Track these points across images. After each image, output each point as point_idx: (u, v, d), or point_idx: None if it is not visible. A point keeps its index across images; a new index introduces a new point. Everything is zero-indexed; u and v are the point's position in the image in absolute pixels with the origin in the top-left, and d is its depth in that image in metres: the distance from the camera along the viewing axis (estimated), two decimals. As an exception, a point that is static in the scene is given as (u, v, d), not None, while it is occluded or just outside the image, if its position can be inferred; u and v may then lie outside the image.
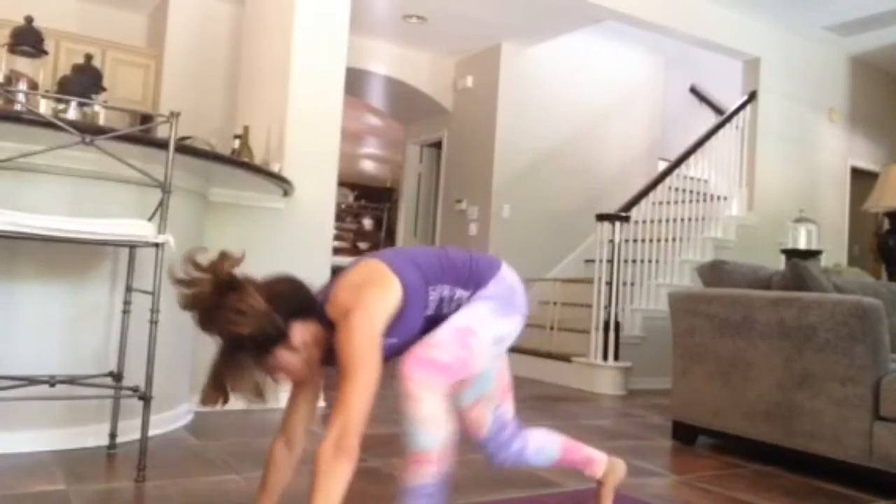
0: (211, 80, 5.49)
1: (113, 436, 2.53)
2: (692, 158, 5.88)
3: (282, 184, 3.32)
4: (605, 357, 4.98)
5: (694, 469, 2.84)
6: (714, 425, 3.16)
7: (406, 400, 1.49)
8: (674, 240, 5.69)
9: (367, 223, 12.09)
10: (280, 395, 1.63)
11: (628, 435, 3.45)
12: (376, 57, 6.49)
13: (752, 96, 6.21)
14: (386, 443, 2.82)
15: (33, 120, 2.20)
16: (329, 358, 1.58)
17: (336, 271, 1.75)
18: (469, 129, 6.66)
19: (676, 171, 5.77)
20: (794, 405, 2.84)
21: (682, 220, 5.77)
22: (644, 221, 5.54)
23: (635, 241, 5.44)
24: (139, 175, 2.38)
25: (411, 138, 7.65)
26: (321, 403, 3.01)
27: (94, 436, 2.55)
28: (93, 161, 2.48)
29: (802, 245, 5.45)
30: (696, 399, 3.25)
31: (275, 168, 3.53)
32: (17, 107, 2.77)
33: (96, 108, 3.49)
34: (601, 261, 5.15)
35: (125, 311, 2.49)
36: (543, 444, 1.94)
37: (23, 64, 4.27)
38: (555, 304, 5.82)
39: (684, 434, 3.33)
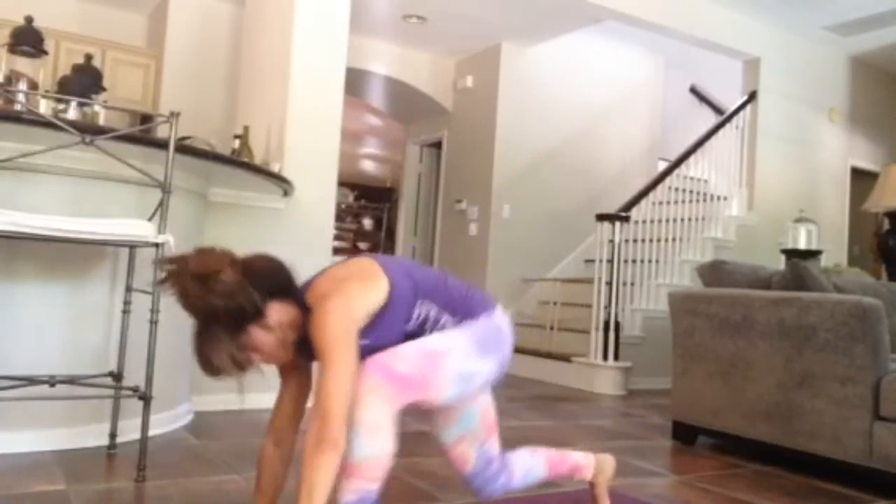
0: (211, 80, 5.49)
1: (113, 436, 2.53)
2: (692, 158, 5.88)
3: (282, 184, 3.32)
4: (605, 357, 4.98)
5: (694, 469, 2.84)
6: (714, 425, 3.16)
7: (353, 403, 1.45)
8: (674, 240, 5.69)
9: (367, 223, 12.10)
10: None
11: (628, 435, 3.45)
12: (376, 57, 6.50)
13: (752, 96, 6.21)
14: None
15: (33, 120, 2.20)
16: (307, 350, 1.55)
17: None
18: (469, 129, 6.66)
19: (676, 171, 5.77)
20: (794, 405, 2.84)
21: (682, 220, 5.77)
22: (644, 221, 5.54)
23: (635, 241, 5.44)
24: (139, 175, 2.38)
25: (411, 138, 7.65)
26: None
27: (94, 436, 2.55)
28: (93, 161, 2.48)
29: (802, 245, 5.45)
30: (696, 399, 3.25)
31: (275, 168, 3.53)
32: (17, 107, 2.77)
33: (96, 108, 3.49)
34: (601, 261, 5.15)
35: (125, 311, 2.49)
36: (529, 468, 1.91)
37: (23, 64, 4.27)
38: (555, 304, 5.82)
39: (684, 434, 3.33)
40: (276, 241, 3.55)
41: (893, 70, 7.33)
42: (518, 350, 5.68)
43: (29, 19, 3.81)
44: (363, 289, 1.53)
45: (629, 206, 5.34)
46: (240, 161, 3.00)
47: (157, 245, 2.28)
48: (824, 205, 6.75)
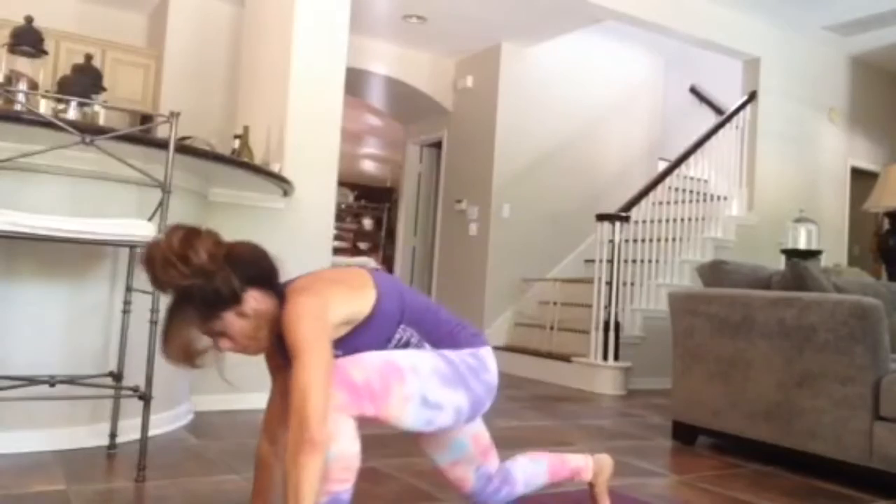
0: (211, 80, 5.49)
1: (113, 436, 2.53)
2: (692, 158, 5.88)
3: (282, 184, 3.32)
4: (605, 357, 4.98)
5: (694, 469, 2.84)
6: (714, 425, 3.16)
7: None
8: (674, 240, 5.69)
9: (367, 223, 12.10)
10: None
11: (628, 435, 3.45)
12: (376, 57, 6.49)
13: (752, 96, 6.21)
14: (386, 443, 2.82)
15: (33, 120, 2.20)
16: (283, 348, 1.50)
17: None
18: (469, 129, 6.66)
19: (676, 171, 5.77)
20: (794, 405, 2.84)
21: (682, 220, 5.77)
22: (644, 221, 5.54)
23: (635, 241, 5.44)
24: (139, 175, 2.38)
25: (411, 138, 7.65)
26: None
27: (94, 436, 2.55)
28: (93, 161, 2.48)
29: (802, 245, 5.45)
30: (696, 399, 3.25)
31: (275, 168, 3.53)
32: (17, 107, 2.77)
33: (96, 108, 3.49)
34: (601, 261, 5.15)
35: (125, 311, 2.49)
36: (531, 476, 1.90)
37: (23, 64, 4.27)
38: (555, 304, 5.82)
39: (684, 434, 3.33)
40: (276, 241, 3.51)
41: (893, 70, 7.33)
42: (518, 350, 5.70)
43: (29, 19, 3.81)
44: (345, 295, 1.50)
45: (629, 206, 5.34)
46: (240, 161, 3.00)
47: (157, 245, 2.28)
48: (824, 205, 6.75)
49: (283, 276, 1.58)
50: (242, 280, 1.46)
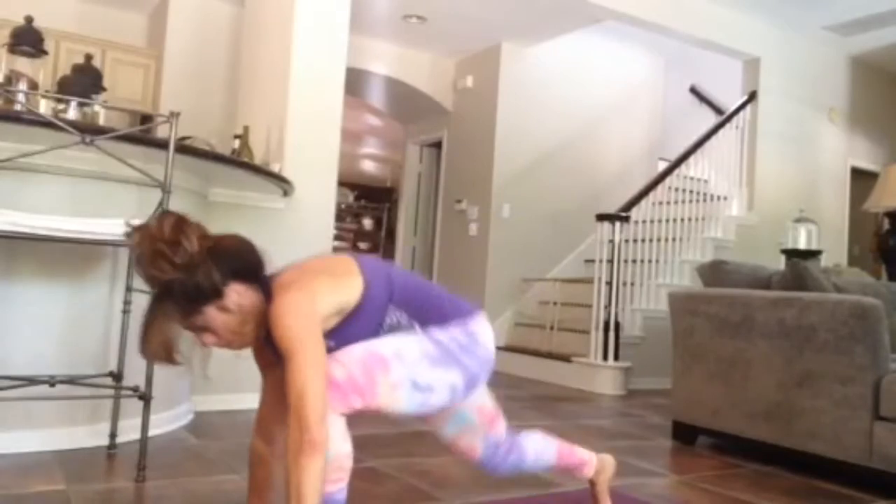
0: (211, 80, 5.49)
1: (113, 436, 2.53)
2: (692, 158, 5.88)
3: (282, 184, 3.32)
4: (605, 357, 4.98)
5: (694, 469, 2.84)
6: (714, 425, 3.16)
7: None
8: (674, 240, 5.69)
9: (367, 223, 12.11)
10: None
11: (628, 435, 3.45)
12: (376, 57, 6.50)
13: (752, 96, 6.21)
14: (386, 443, 2.83)
15: (33, 120, 2.20)
16: (272, 343, 1.46)
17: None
18: (469, 129, 6.66)
19: (676, 171, 5.77)
20: (794, 405, 2.84)
21: (682, 220, 5.77)
22: (644, 221, 5.54)
23: (635, 241, 5.44)
24: (139, 175, 2.38)
25: (411, 138, 7.65)
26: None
27: (94, 436, 2.55)
28: (93, 161, 2.48)
29: (802, 245, 5.45)
30: (695, 399, 3.25)
31: (275, 168, 3.53)
32: (17, 107, 2.77)
33: (96, 108, 3.49)
34: (601, 261, 5.15)
35: (125, 311, 2.49)
36: (541, 452, 1.90)
37: (23, 64, 4.27)
38: (555, 304, 5.82)
39: (684, 434, 3.33)
40: (276, 241, 3.52)
41: (893, 70, 7.33)
42: (518, 350, 5.70)
43: (29, 19, 3.81)
44: (332, 286, 1.47)
45: (629, 206, 5.34)
46: (240, 161, 3.00)
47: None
48: (824, 205, 6.75)
49: (273, 269, 1.55)
50: (225, 274, 1.43)
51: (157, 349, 1.42)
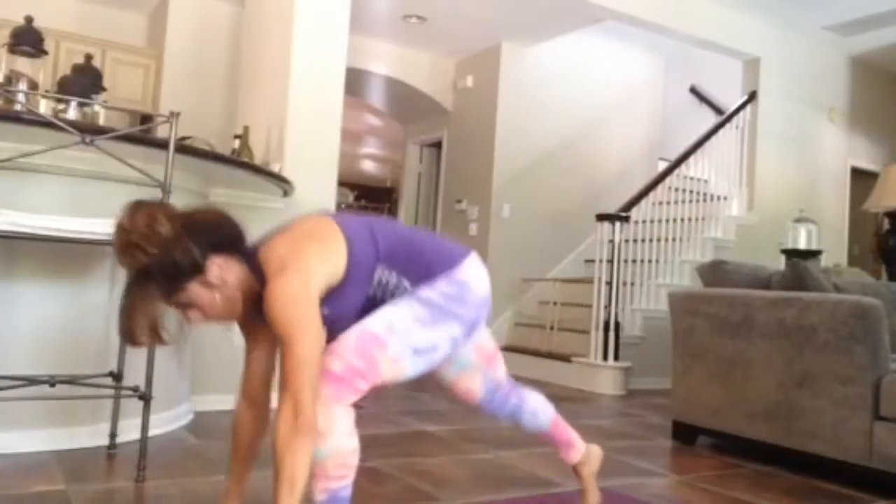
0: (211, 80, 5.49)
1: (113, 436, 2.53)
2: (692, 158, 5.88)
3: (282, 184, 3.32)
4: (605, 357, 4.98)
5: (694, 469, 2.84)
6: (714, 425, 3.16)
7: None
8: (674, 240, 5.69)
9: (368, 223, 12.10)
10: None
11: (628, 435, 3.45)
12: (376, 57, 6.50)
13: (752, 96, 6.21)
14: (386, 443, 2.83)
15: (33, 120, 2.20)
16: (261, 311, 1.46)
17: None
18: (469, 129, 6.66)
19: (676, 171, 5.77)
20: (794, 405, 2.84)
21: (682, 220, 5.77)
22: (644, 221, 5.54)
23: (635, 241, 5.44)
24: (139, 175, 2.38)
25: (411, 138, 7.65)
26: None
27: (94, 436, 2.55)
28: (93, 161, 2.48)
29: (802, 245, 5.45)
30: (695, 399, 3.25)
31: (275, 168, 3.53)
32: (17, 107, 2.77)
33: (96, 108, 3.49)
34: (601, 261, 5.15)
35: (125, 311, 2.49)
36: (538, 410, 1.91)
37: (23, 64, 4.26)
38: (555, 304, 5.82)
39: (684, 434, 3.33)
40: (276, 241, 3.55)
41: (893, 70, 7.33)
42: (518, 350, 5.70)
43: (29, 19, 3.81)
44: (321, 254, 1.45)
45: (629, 206, 5.34)
46: (240, 161, 3.00)
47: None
48: (824, 205, 6.75)
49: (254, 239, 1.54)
50: (203, 248, 1.41)
51: (144, 332, 1.41)
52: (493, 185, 6.27)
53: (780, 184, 6.36)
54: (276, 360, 1.59)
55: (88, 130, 2.25)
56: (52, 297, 2.50)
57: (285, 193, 3.55)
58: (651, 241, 5.56)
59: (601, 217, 5.26)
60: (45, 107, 3.28)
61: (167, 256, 1.37)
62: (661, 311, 5.25)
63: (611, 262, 5.09)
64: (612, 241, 5.13)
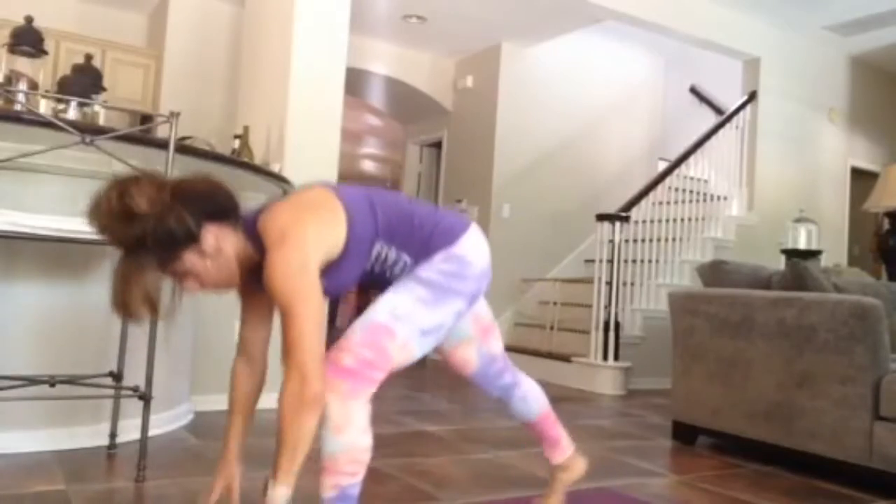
0: (211, 80, 5.49)
1: (113, 436, 2.53)
2: (692, 158, 5.88)
3: (282, 184, 3.32)
4: (605, 357, 4.98)
5: (694, 469, 2.84)
6: (714, 425, 3.16)
7: None
8: (674, 240, 5.69)
9: (367, 223, 12.09)
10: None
11: (628, 435, 3.45)
12: (376, 57, 6.50)
13: (752, 96, 6.21)
14: (386, 443, 2.83)
15: (33, 120, 2.20)
16: (259, 278, 1.45)
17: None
18: (469, 129, 6.66)
19: (676, 171, 5.77)
20: (794, 405, 2.84)
21: (682, 220, 5.77)
22: (644, 221, 5.54)
23: (635, 241, 5.44)
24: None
25: (411, 138, 7.65)
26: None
27: (94, 436, 2.55)
28: (93, 161, 2.47)
29: (802, 245, 5.45)
30: (695, 399, 3.25)
31: (275, 168, 3.53)
32: (17, 107, 2.77)
33: (96, 108, 3.49)
34: (601, 261, 5.15)
35: (125, 311, 2.49)
36: (529, 396, 1.91)
37: (23, 64, 4.27)
38: (555, 304, 5.82)
39: (684, 434, 3.33)
40: (276, 241, 3.55)
41: (893, 70, 7.33)
42: (518, 350, 5.69)
43: (29, 19, 3.81)
44: (322, 226, 1.44)
45: (629, 206, 5.34)
46: (240, 161, 3.00)
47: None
48: (824, 205, 6.75)
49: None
50: (197, 216, 1.40)
51: (141, 304, 1.41)
52: (493, 185, 6.27)
53: (780, 184, 6.36)
54: (272, 320, 1.61)
55: (88, 130, 2.25)
56: (51, 297, 2.50)
57: (285, 193, 3.54)
58: (651, 241, 5.56)
59: (601, 217, 5.26)
60: (45, 107, 3.28)
61: (161, 224, 1.36)
62: (661, 311, 5.25)
63: (611, 262, 5.09)
64: (612, 241, 5.13)
